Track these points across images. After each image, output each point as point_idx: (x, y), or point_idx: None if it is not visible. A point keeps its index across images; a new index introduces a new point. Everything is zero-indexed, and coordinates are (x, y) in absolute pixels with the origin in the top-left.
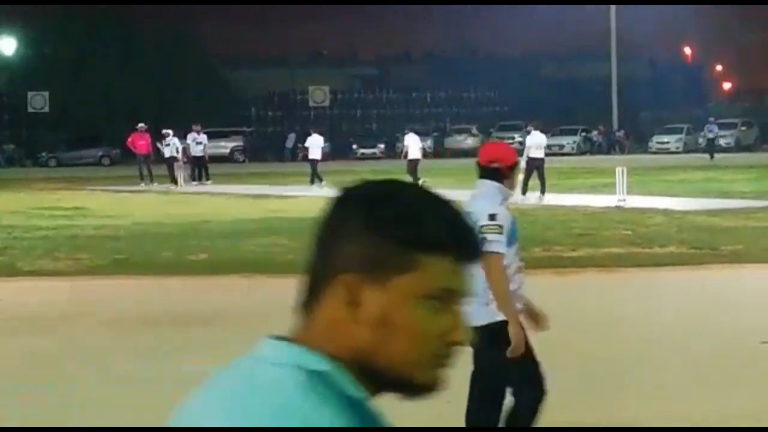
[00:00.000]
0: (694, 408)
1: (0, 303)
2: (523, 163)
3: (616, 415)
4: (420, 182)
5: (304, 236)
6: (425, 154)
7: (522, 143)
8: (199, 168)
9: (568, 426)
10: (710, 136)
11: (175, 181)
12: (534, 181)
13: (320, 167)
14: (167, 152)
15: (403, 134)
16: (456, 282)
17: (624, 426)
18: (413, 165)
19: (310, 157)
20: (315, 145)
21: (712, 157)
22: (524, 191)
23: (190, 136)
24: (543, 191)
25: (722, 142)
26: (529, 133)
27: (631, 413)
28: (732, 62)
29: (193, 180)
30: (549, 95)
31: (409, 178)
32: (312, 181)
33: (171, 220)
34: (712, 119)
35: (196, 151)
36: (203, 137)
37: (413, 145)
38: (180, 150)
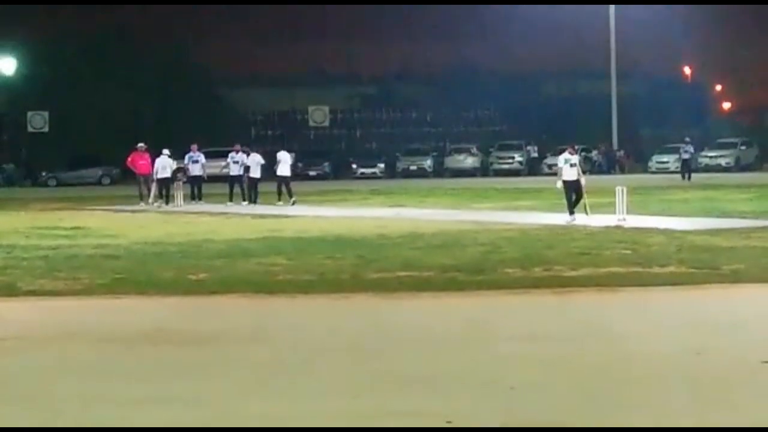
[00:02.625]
0: (692, 424)
1: (0, 322)
2: (559, 184)
3: None
4: (292, 201)
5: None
6: (425, 173)
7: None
8: (198, 187)
9: None
10: (685, 156)
11: (166, 200)
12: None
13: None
14: (168, 172)
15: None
16: None
17: None
18: (284, 181)
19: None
20: (285, 161)
21: (687, 178)
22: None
23: (188, 156)
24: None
25: (722, 161)
26: (573, 155)
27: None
28: (731, 82)
29: (192, 199)
30: (549, 114)
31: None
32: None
33: (171, 240)
34: (687, 139)
35: (194, 170)
36: (201, 156)
37: (284, 162)
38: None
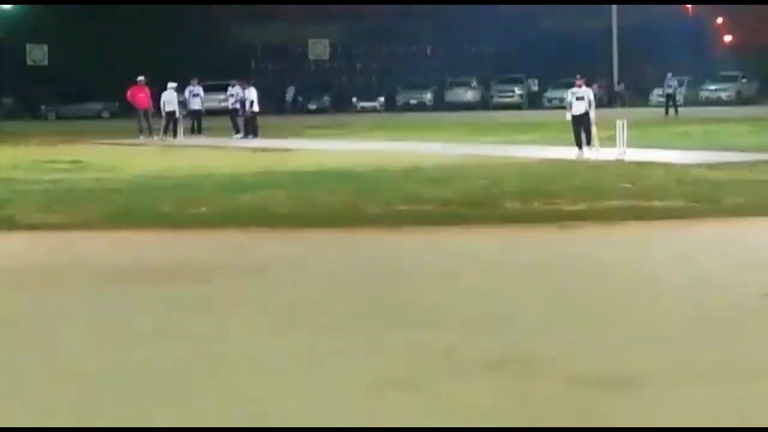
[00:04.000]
0: (697, 358)
1: None
2: (568, 117)
3: (619, 367)
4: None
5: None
6: (425, 107)
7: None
8: (198, 121)
9: (572, 377)
10: (669, 91)
11: (174, 134)
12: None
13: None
14: (174, 106)
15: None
16: None
17: (628, 377)
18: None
19: (255, 110)
20: (254, 98)
21: (669, 113)
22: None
23: (188, 90)
24: (589, 143)
25: (723, 95)
26: (581, 87)
27: (634, 365)
28: (733, 14)
29: (192, 133)
30: (549, 49)
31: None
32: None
33: (171, 173)
34: (670, 74)
35: (194, 104)
36: (200, 90)
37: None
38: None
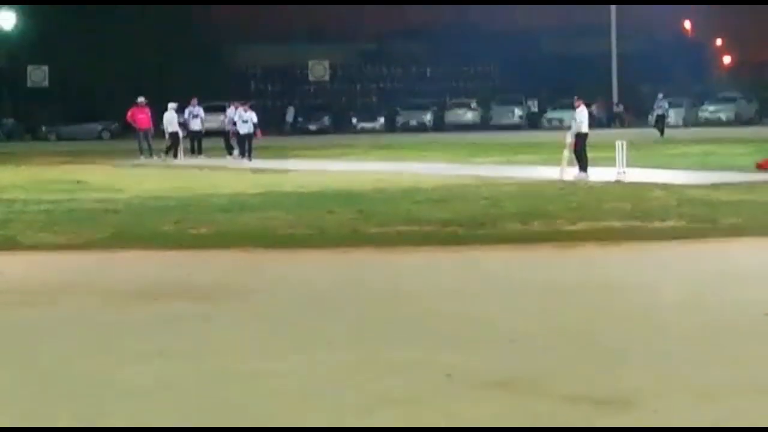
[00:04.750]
0: (696, 378)
1: (1, 276)
2: (570, 139)
3: (618, 385)
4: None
5: (302, 210)
6: (425, 128)
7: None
8: (198, 141)
9: (571, 396)
10: (659, 112)
11: (174, 154)
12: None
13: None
14: (175, 126)
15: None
16: None
17: (626, 396)
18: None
19: (243, 132)
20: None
21: (662, 134)
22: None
23: (188, 110)
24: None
25: (722, 116)
26: (575, 108)
27: (633, 384)
28: (732, 36)
29: (192, 153)
30: (549, 70)
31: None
32: (230, 152)
33: (171, 194)
34: (660, 95)
35: (194, 124)
36: (200, 110)
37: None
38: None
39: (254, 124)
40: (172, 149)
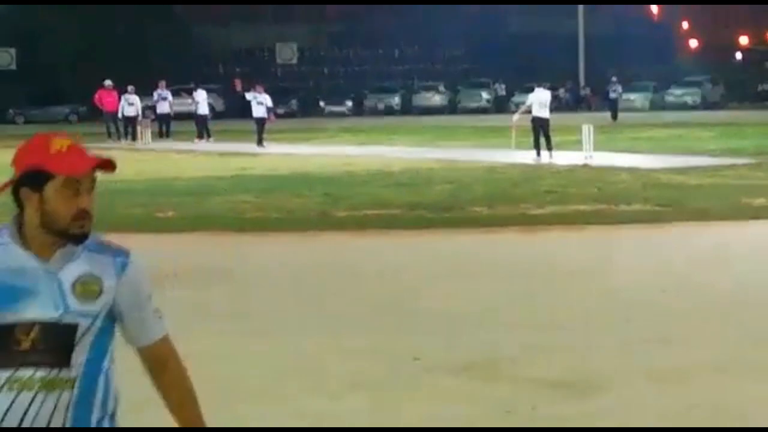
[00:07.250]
0: (659, 362)
1: None
2: (516, 117)
3: (584, 368)
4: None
5: (270, 193)
6: (393, 111)
7: (489, 101)
8: (167, 124)
9: (535, 380)
10: (613, 96)
11: (132, 137)
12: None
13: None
14: (132, 111)
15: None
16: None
17: (591, 380)
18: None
19: (199, 113)
20: (202, 100)
21: (614, 118)
22: (538, 151)
23: (156, 93)
24: (550, 149)
25: (688, 99)
26: (532, 90)
27: (599, 366)
28: (697, 19)
29: (161, 137)
30: (516, 52)
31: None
32: (201, 136)
33: (139, 177)
34: (614, 79)
35: (162, 107)
36: (168, 93)
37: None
38: (140, 108)
39: (268, 108)
40: (131, 132)
